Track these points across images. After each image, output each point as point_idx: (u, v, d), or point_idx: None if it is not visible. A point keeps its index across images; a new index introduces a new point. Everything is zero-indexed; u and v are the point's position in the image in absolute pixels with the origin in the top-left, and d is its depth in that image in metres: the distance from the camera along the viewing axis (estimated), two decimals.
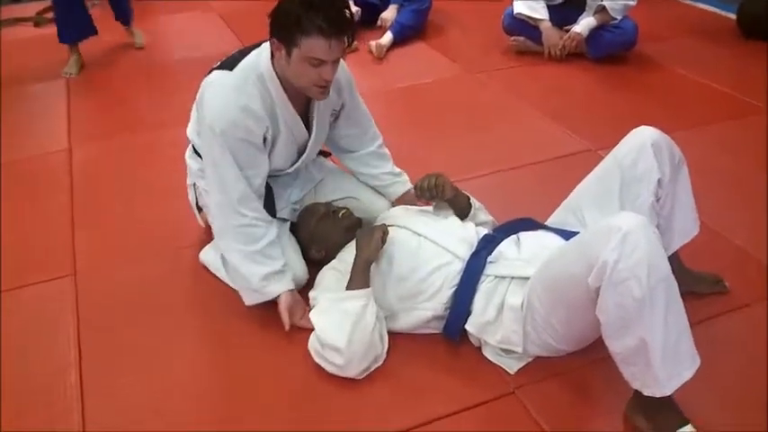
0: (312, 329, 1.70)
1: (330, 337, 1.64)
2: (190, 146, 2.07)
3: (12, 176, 2.68)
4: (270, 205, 1.91)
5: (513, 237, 1.77)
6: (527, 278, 1.62)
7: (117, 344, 1.84)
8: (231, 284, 1.95)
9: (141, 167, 2.72)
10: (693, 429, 1.43)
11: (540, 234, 1.77)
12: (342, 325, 1.64)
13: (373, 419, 1.59)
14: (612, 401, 1.57)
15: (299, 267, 1.92)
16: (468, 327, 1.71)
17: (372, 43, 3.74)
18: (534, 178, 2.56)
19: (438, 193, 1.83)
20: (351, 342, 1.62)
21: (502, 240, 1.75)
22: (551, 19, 3.57)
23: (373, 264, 1.73)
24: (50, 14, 4.06)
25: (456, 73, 3.56)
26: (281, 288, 1.80)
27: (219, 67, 1.81)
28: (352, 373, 1.66)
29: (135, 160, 2.78)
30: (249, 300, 1.85)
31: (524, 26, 3.64)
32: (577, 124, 2.93)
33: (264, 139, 1.81)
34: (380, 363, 1.70)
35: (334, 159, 2.24)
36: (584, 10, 3.52)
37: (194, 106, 1.92)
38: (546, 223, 1.85)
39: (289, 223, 2.02)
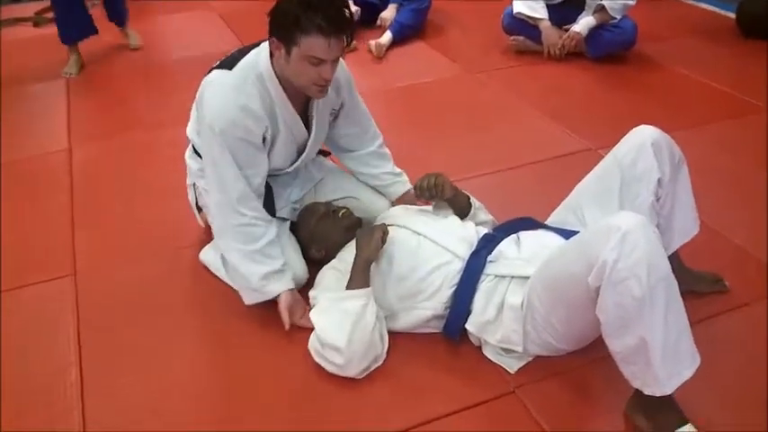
0: (312, 329, 1.70)
1: (330, 337, 1.64)
2: (189, 146, 2.07)
3: (12, 176, 2.68)
4: (269, 204, 1.91)
5: (513, 236, 1.77)
6: (527, 277, 1.62)
7: (117, 344, 1.84)
8: (231, 284, 1.95)
9: (141, 167, 2.72)
10: (693, 428, 1.43)
11: (539, 233, 1.78)
12: (342, 324, 1.64)
13: (373, 419, 1.59)
14: (612, 401, 1.57)
15: (299, 267, 1.92)
16: (468, 326, 1.71)
17: (372, 43, 3.74)
18: (534, 178, 2.56)
19: (437, 193, 1.83)
20: (351, 342, 1.63)
21: (502, 240, 1.75)
22: (551, 18, 3.57)
23: (373, 263, 1.73)
24: (50, 14, 4.06)
25: (456, 72, 3.56)
26: (280, 287, 1.81)
27: (219, 67, 1.81)
28: (352, 372, 1.66)
29: (135, 160, 2.78)
30: (249, 299, 1.85)
31: (524, 26, 3.64)
32: (577, 124, 2.93)
33: (264, 139, 1.81)
34: (380, 362, 1.70)
35: (334, 159, 2.24)
36: (583, 9, 3.52)
37: (194, 106, 1.92)
38: (546, 222, 1.85)
39: (289, 223, 2.02)
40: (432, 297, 1.72)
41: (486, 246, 1.73)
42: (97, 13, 3.82)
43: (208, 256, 2.08)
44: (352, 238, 1.85)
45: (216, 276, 2.04)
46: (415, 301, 1.74)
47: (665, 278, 1.35)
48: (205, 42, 3.97)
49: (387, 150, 2.17)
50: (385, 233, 1.73)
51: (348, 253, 1.82)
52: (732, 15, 3.98)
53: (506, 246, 1.73)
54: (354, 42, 3.78)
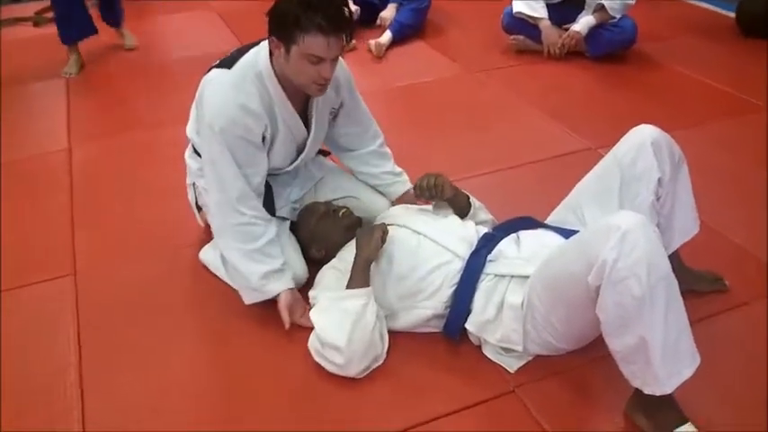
0: (312, 328, 1.70)
1: (330, 336, 1.64)
2: (189, 145, 2.07)
3: (12, 176, 2.68)
4: (269, 204, 1.91)
5: (513, 235, 1.77)
6: (527, 277, 1.62)
7: (117, 343, 1.84)
8: (231, 283, 1.95)
9: (141, 167, 2.72)
10: (693, 428, 1.43)
11: (539, 233, 1.78)
12: (342, 324, 1.64)
13: (373, 418, 1.59)
14: (612, 400, 1.57)
15: (299, 266, 1.92)
16: (468, 325, 1.71)
17: (372, 42, 3.74)
18: (534, 177, 2.56)
19: (437, 193, 1.83)
20: (351, 341, 1.63)
21: (502, 239, 1.75)
22: (550, 18, 3.57)
23: (373, 263, 1.73)
24: (50, 14, 4.05)
25: (455, 72, 3.56)
26: (280, 287, 1.81)
27: (218, 66, 1.81)
28: (352, 372, 1.66)
29: (135, 160, 2.78)
30: (249, 299, 1.85)
31: (524, 25, 3.64)
32: (577, 123, 2.93)
33: (263, 138, 1.81)
34: (380, 362, 1.70)
35: (334, 158, 2.24)
36: (583, 9, 3.52)
37: (193, 105, 1.92)
38: (546, 222, 1.85)
39: (289, 222, 2.02)
40: (432, 296, 1.72)
41: (486, 245, 1.73)
42: (96, 12, 3.82)
43: (207, 255, 2.08)
44: (352, 238, 1.85)
45: (215, 276, 2.04)
46: (415, 300, 1.74)
47: (665, 277, 1.35)
48: (204, 42, 3.97)
49: (387, 150, 2.17)
50: (385, 232, 1.73)
51: (348, 252, 1.82)
52: (732, 14, 3.98)
53: (506, 245, 1.73)
54: (354, 42, 3.78)
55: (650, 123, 1.72)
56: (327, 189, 2.13)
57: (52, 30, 3.69)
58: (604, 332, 1.44)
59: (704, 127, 2.87)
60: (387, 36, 3.79)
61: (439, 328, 1.76)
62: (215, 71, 1.80)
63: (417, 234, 1.77)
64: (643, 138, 1.68)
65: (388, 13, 3.95)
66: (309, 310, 1.77)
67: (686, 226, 1.78)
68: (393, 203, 2.12)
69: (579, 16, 3.52)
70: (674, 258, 1.74)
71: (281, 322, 1.79)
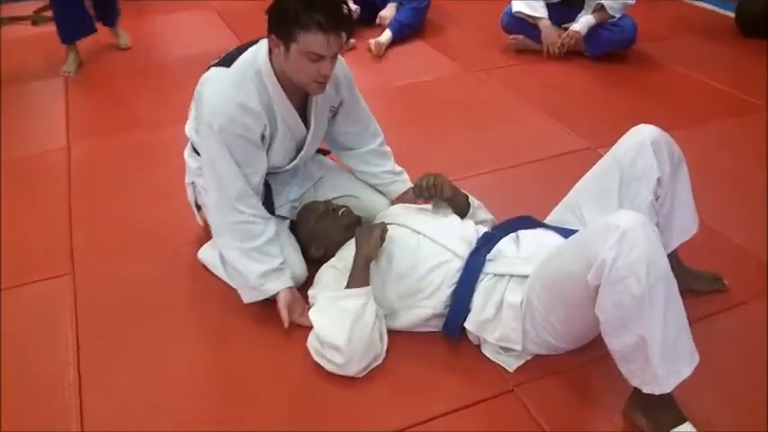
0: (311, 327, 1.70)
1: (329, 336, 1.64)
2: (188, 144, 2.07)
3: (10, 174, 2.68)
4: (269, 203, 1.91)
5: (513, 235, 1.77)
6: (526, 276, 1.62)
7: (115, 342, 1.84)
8: (230, 282, 1.95)
9: (140, 166, 2.72)
10: (692, 427, 1.43)
11: (539, 232, 1.77)
12: (341, 323, 1.64)
13: (372, 417, 1.59)
14: (611, 399, 1.57)
15: (299, 265, 1.92)
16: (467, 325, 1.71)
17: (371, 41, 3.73)
18: (533, 176, 2.56)
19: (437, 193, 1.83)
20: (350, 340, 1.62)
21: (501, 238, 1.75)
22: (550, 17, 3.57)
23: (373, 262, 1.73)
24: (49, 13, 4.05)
25: (455, 71, 3.56)
26: (279, 285, 1.80)
27: (217, 64, 1.81)
28: (351, 371, 1.65)
29: (133, 158, 2.78)
30: (248, 297, 1.85)
31: (523, 24, 3.64)
32: (577, 122, 2.93)
33: (262, 136, 1.81)
34: (380, 361, 1.70)
35: (333, 157, 2.24)
36: (582, 8, 3.52)
37: (192, 103, 1.92)
38: (545, 221, 1.85)
39: (288, 221, 2.02)
40: (431, 296, 1.72)
41: (486, 244, 1.73)
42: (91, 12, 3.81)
43: (206, 254, 2.07)
44: (352, 237, 1.85)
45: (214, 275, 2.03)
46: (414, 299, 1.73)
47: (664, 277, 1.35)
48: (204, 41, 3.97)
49: (387, 148, 2.17)
50: (384, 232, 1.73)
51: (347, 251, 1.82)
52: (731, 14, 3.98)
53: (505, 244, 1.73)
54: (353, 41, 3.78)
55: (650, 123, 1.72)
56: (327, 188, 2.13)
57: (51, 28, 3.68)
58: (603, 331, 1.44)
59: (704, 127, 2.87)
60: (386, 35, 3.79)
61: (438, 327, 1.76)
62: (214, 69, 1.80)
63: (417, 233, 1.77)
64: (642, 137, 1.68)
65: (388, 12, 3.94)
66: (308, 309, 1.77)
67: (685, 225, 1.78)
68: (393, 202, 2.12)
69: (579, 16, 3.52)
70: (673, 258, 1.74)
71: (280, 321, 1.79)
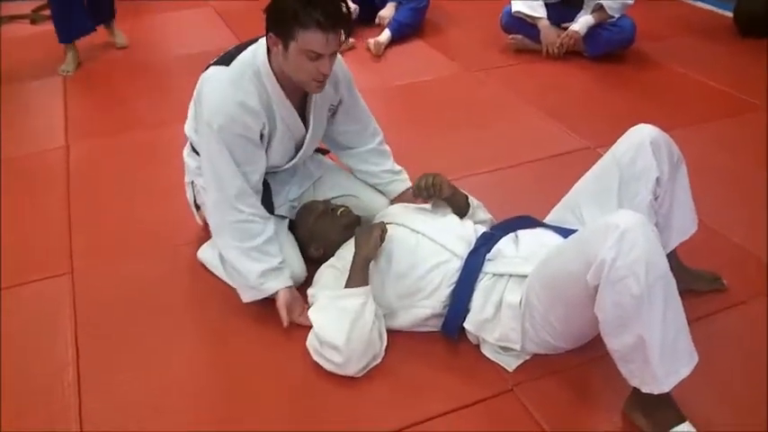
0: (310, 327, 1.70)
1: (329, 335, 1.64)
2: (188, 143, 2.07)
3: (9, 173, 2.68)
4: (268, 202, 1.91)
5: (512, 234, 1.77)
6: (525, 276, 1.62)
7: (115, 342, 1.83)
8: (229, 282, 1.95)
9: (139, 165, 2.71)
10: (691, 426, 1.43)
11: (538, 232, 1.77)
12: (340, 323, 1.64)
13: (372, 417, 1.59)
14: (611, 399, 1.57)
15: (298, 265, 1.92)
16: (466, 325, 1.71)
17: (370, 41, 3.73)
18: (533, 176, 2.56)
19: (435, 193, 1.82)
20: (350, 340, 1.62)
21: (500, 238, 1.75)
22: (549, 17, 3.57)
23: (372, 262, 1.73)
24: (47, 11, 4.04)
25: (454, 71, 3.56)
26: (278, 285, 1.80)
27: (216, 63, 1.81)
28: (350, 370, 1.65)
29: (132, 158, 2.78)
30: (247, 297, 1.85)
31: (522, 24, 3.64)
32: (576, 122, 2.93)
33: (261, 135, 1.81)
34: (379, 361, 1.70)
35: (333, 157, 2.24)
36: (581, 8, 3.52)
37: (192, 103, 1.92)
38: (544, 221, 1.85)
39: (287, 221, 2.02)
40: (431, 295, 1.72)
41: (485, 244, 1.73)
42: None
43: (206, 254, 2.07)
44: (351, 237, 1.85)
45: (214, 274, 2.03)
46: (413, 299, 1.73)
47: (663, 276, 1.35)
48: (203, 40, 3.96)
49: (387, 147, 2.17)
50: (384, 231, 1.73)
51: (347, 251, 1.82)
52: (730, 14, 3.98)
53: (505, 244, 1.73)
54: (352, 40, 3.78)
55: (649, 123, 1.73)
56: (326, 187, 2.13)
57: (49, 27, 3.67)
58: (603, 331, 1.44)
59: (702, 126, 2.88)
60: (386, 35, 3.78)
61: (437, 327, 1.76)
62: (213, 68, 1.80)
63: (416, 233, 1.77)
64: (642, 137, 1.68)
65: (387, 11, 3.94)
66: (308, 308, 1.77)
67: (684, 225, 1.79)
68: (392, 202, 2.12)
69: (578, 16, 3.52)
70: (673, 258, 1.74)
71: (279, 321, 1.79)
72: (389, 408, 1.60)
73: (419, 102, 3.27)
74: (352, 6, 3.70)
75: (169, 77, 3.56)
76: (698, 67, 3.43)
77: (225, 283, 1.98)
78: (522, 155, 2.69)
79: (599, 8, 3.43)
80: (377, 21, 3.95)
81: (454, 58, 3.69)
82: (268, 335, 1.81)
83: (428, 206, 1.93)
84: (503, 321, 1.65)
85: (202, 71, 1.83)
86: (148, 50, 3.95)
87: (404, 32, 3.89)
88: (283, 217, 2.01)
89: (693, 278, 1.88)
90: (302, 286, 1.89)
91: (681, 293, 1.39)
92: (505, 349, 1.69)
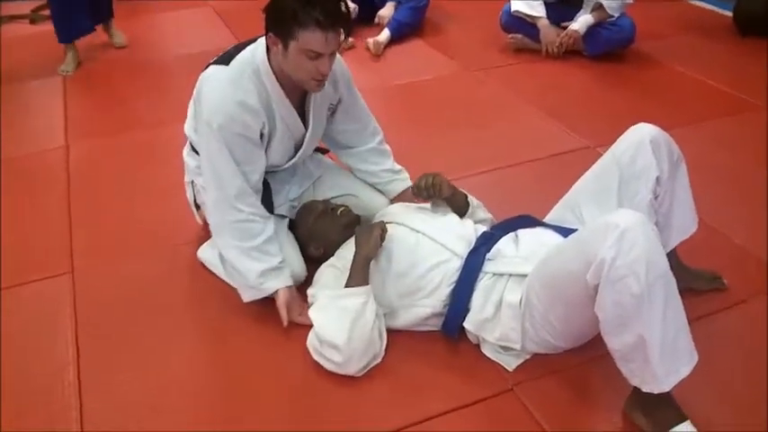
0: (310, 326, 1.70)
1: (329, 335, 1.64)
2: (187, 143, 2.07)
3: (9, 173, 2.67)
4: (268, 202, 1.91)
5: (512, 234, 1.77)
6: (525, 275, 1.62)
7: (115, 341, 1.83)
8: (229, 281, 1.95)
9: (139, 165, 2.71)
10: (691, 426, 1.43)
11: (538, 231, 1.77)
12: (341, 322, 1.64)
13: (372, 416, 1.59)
14: (611, 398, 1.57)
15: (298, 265, 1.92)
16: (466, 324, 1.71)
17: (370, 40, 3.73)
18: (532, 175, 2.56)
19: (435, 193, 1.83)
20: (350, 339, 1.62)
21: (500, 238, 1.75)
22: (549, 16, 3.57)
23: (372, 261, 1.73)
24: (47, 11, 4.04)
25: (454, 70, 3.56)
26: (278, 284, 1.80)
27: (216, 63, 1.81)
28: (351, 370, 1.65)
29: (132, 157, 2.78)
30: (247, 296, 1.85)
31: (522, 24, 3.64)
32: (575, 121, 2.93)
33: (261, 135, 1.81)
34: (379, 360, 1.70)
35: (332, 156, 2.24)
36: (581, 7, 3.52)
37: (191, 102, 1.92)
38: (544, 220, 1.85)
39: (287, 220, 2.02)
40: (431, 295, 1.72)
41: (485, 244, 1.73)
42: None
43: (206, 253, 2.07)
44: (351, 236, 1.85)
45: (214, 274, 2.03)
46: (414, 298, 1.73)
47: (663, 275, 1.35)
48: (202, 40, 3.96)
49: (387, 147, 2.17)
50: (384, 231, 1.73)
51: (347, 250, 1.82)
52: (729, 14, 3.98)
53: (505, 244, 1.73)
54: (352, 40, 3.78)
55: (649, 122, 1.72)
56: (326, 187, 2.13)
57: (49, 27, 3.67)
58: (603, 330, 1.44)
59: (702, 125, 2.88)
60: (385, 34, 3.78)
61: (437, 326, 1.76)
62: (213, 68, 1.80)
63: (416, 232, 1.77)
64: (642, 136, 1.68)
65: (387, 11, 3.94)
66: (308, 307, 1.77)
67: (684, 224, 1.79)
68: (392, 201, 2.12)
69: (577, 15, 3.52)
70: (673, 257, 1.74)
71: (279, 320, 1.79)
72: (390, 407, 1.61)
73: (419, 101, 3.26)
74: (352, 6, 3.70)
75: (169, 77, 3.56)
76: (697, 67, 3.43)
77: (225, 282, 1.98)
78: (522, 154, 2.69)
79: (598, 7, 3.43)
80: (376, 20, 3.95)
81: (454, 58, 3.68)
82: (268, 334, 1.81)
83: (428, 205, 1.93)
84: (503, 321, 1.65)
85: (202, 71, 1.83)
86: (148, 50, 3.95)
87: (403, 32, 3.88)
88: (283, 216, 2.01)
89: (693, 277, 1.88)
90: (302, 286, 1.89)
91: (681, 293, 1.40)
92: (505, 349, 1.69)
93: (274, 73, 1.76)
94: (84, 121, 3.14)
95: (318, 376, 1.67)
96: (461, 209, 1.92)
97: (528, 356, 1.69)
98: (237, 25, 4.14)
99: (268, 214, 1.87)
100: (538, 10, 3.56)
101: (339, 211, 1.94)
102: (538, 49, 3.64)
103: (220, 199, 1.80)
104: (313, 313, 1.71)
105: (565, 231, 1.71)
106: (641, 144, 1.67)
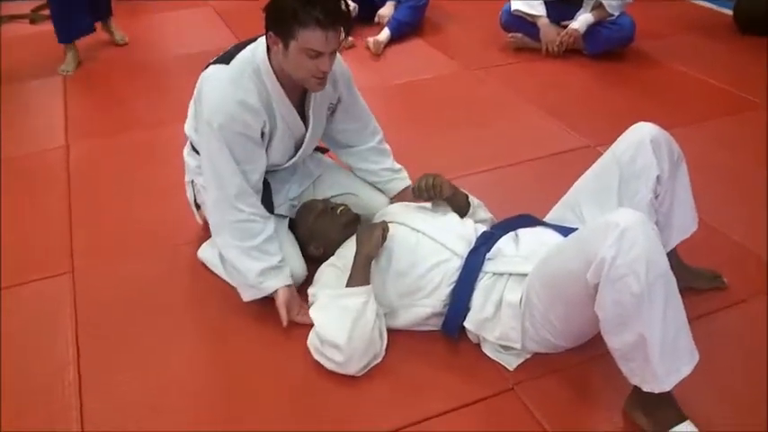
0: (310, 325, 1.70)
1: (330, 334, 1.64)
2: (188, 143, 2.07)
3: (9, 173, 2.67)
4: (268, 201, 1.91)
5: (512, 233, 1.77)
6: (525, 275, 1.62)
7: (115, 341, 1.83)
8: (229, 281, 1.95)
9: (139, 164, 2.71)
10: (691, 426, 1.43)
11: (538, 231, 1.77)
12: (342, 321, 1.64)
13: (372, 416, 1.59)
14: (611, 398, 1.57)
15: (298, 264, 1.92)
16: (466, 324, 1.71)
17: (370, 40, 3.73)
18: (533, 175, 2.56)
19: (436, 194, 1.83)
20: (351, 339, 1.62)
21: (500, 237, 1.75)
22: (549, 15, 3.57)
23: (372, 261, 1.73)
24: (46, 11, 4.04)
25: (454, 69, 3.56)
26: (277, 283, 1.80)
27: (216, 62, 1.81)
28: (351, 369, 1.65)
29: (132, 157, 2.78)
30: (247, 296, 1.85)
31: (522, 23, 3.64)
32: (575, 120, 2.93)
33: (263, 134, 1.81)
34: (379, 360, 1.70)
35: (332, 156, 2.24)
36: (581, 6, 3.52)
37: (192, 102, 1.92)
38: (544, 220, 1.85)
39: (287, 220, 2.02)
40: (431, 294, 1.72)
41: (485, 243, 1.73)
42: None
43: (206, 253, 2.07)
44: (351, 235, 1.85)
45: (214, 273, 2.03)
46: (414, 298, 1.73)
47: (663, 275, 1.35)
48: (202, 40, 3.96)
49: (386, 146, 2.17)
50: (385, 230, 1.72)
51: (347, 250, 1.82)
52: (729, 12, 3.98)
53: (505, 243, 1.73)
54: (352, 39, 3.78)
55: (649, 121, 1.72)
56: (326, 186, 2.13)
57: (49, 27, 3.66)
58: (603, 330, 1.44)
59: (703, 125, 2.87)
60: (385, 34, 3.78)
61: (438, 326, 1.76)
62: (213, 67, 1.80)
63: (416, 232, 1.77)
64: (642, 135, 1.68)
65: (387, 10, 3.94)
66: (308, 307, 1.77)
67: (685, 224, 1.78)
68: (392, 200, 2.12)
69: (577, 14, 3.52)
70: (673, 256, 1.74)
71: (279, 320, 1.79)
72: (390, 407, 1.60)
73: (419, 100, 3.26)
74: (352, 5, 3.70)
75: (168, 77, 3.56)
76: (698, 65, 3.43)
77: (225, 282, 1.98)
78: (522, 153, 2.69)
79: (598, 6, 3.43)
80: (376, 19, 3.95)
81: (454, 57, 3.68)
82: (268, 334, 1.81)
83: (428, 205, 1.93)
84: (503, 320, 1.65)
85: (202, 70, 1.83)
86: (148, 50, 3.95)
87: (403, 31, 3.88)
88: (283, 216, 2.01)
89: (694, 276, 1.87)
90: (303, 285, 1.89)
91: (681, 292, 1.39)
92: (506, 348, 1.69)
93: (275, 72, 1.76)
94: (85, 120, 3.14)
95: (318, 376, 1.67)
96: (462, 209, 1.92)
97: (528, 356, 1.69)
98: (237, 25, 4.14)
99: (268, 214, 1.87)
100: (538, 9, 3.56)
101: (339, 211, 1.94)
102: (538, 48, 3.64)
103: (221, 198, 1.80)
104: (314, 313, 1.71)
105: (565, 231, 1.71)
106: (641, 143, 1.67)
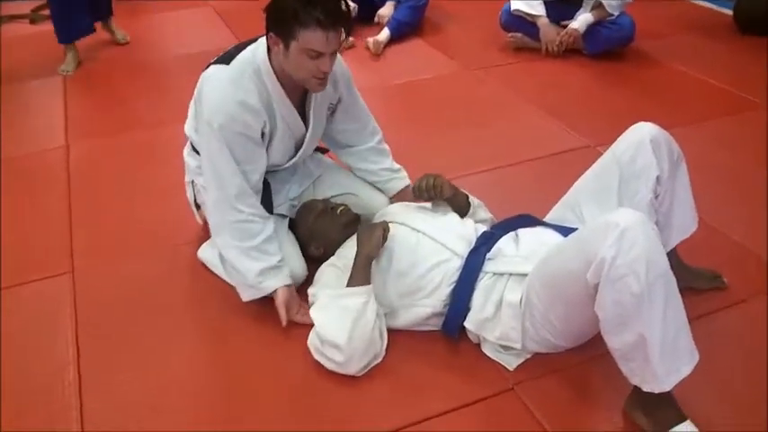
0: (310, 325, 1.70)
1: (330, 334, 1.64)
2: (188, 143, 2.07)
3: (9, 173, 2.67)
4: (267, 201, 1.91)
5: (512, 233, 1.77)
6: (525, 275, 1.62)
7: (115, 341, 1.83)
8: (229, 281, 1.95)
9: (139, 165, 2.71)
10: (692, 426, 1.43)
11: (538, 231, 1.77)
12: (342, 321, 1.64)
13: (372, 416, 1.59)
14: (611, 397, 1.57)
15: (298, 264, 1.92)
16: (466, 324, 1.71)
17: (369, 40, 3.73)
18: (532, 174, 2.56)
19: (436, 194, 1.83)
20: (351, 339, 1.62)
21: (500, 237, 1.75)
22: (548, 15, 3.57)
23: (373, 261, 1.73)
24: (46, 11, 4.04)
25: (453, 69, 3.56)
26: (277, 283, 1.80)
27: (216, 62, 1.81)
28: (351, 369, 1.65)
29: (132, 157, 2.78)
30: (246, 296, 1.85)
31: (522, 22, 3.64)
32: (575, 120, 2.93)
33: (263, 134, 1.81)
34: (380, 360, 1.70)
35: (332, 155, 2.24)
36: (581, 6, 3.52)
37: (192, 102, 1.92)
38: (544, 220, 1.85)
39: (287, 220, 2.02)
40: (431, 294, 1.72)
41: (485, 243, 1.73)
42: None
43: (206, 253, 2.07)
44: (351, 235, 1.85)
45: (214, 273, 2.03)
46: (414, 298, 1.73)
47: (663, 275, 1.35)
48: (202, 40, 3.96)
49: (386, 146, 2.17)
50: (386, 230, 1.72)
51: (347, 250, 1.82)
52: (729, 12, 3.98)
53: (505, 243, 1.73)
54: (352, 39, 3.78)
55: (649, 121, 1.72)
56: (326, 186, 2.13)
57: (49, 27, 3.66)
58: (603, 330, 1.44)
59: (703, 124, 2.88)
60: (385, 34, 3.78)
61: (438, 326, 1.76)
62: (213, 67, 1.80)
63: (416, 232, 1.77)
64: (642, 135, 1.68)
65: (386, 10, 3.94)
66: (308, 307, 1.77)
67: (685, 224, 1.78)
68: (391, 200, 2.12)
69: (577, 14, 3.52)
70: (673, 256, 1.74)
71: (279, 319, 1.79)
72: (390, 407, 1.61)
73: (418, 100, 3.26)
74: (352, 5, 3.70)
75: (169, 77, 3.56)
76: (698, 65, 3.43)
77: (225, 282, 1.98)
78: (522, 153, 2.69)
79: (598, 6, 3.43)
80: (376, 19, 3.95)
81: (453, 57, 3.68)
82: (268, 334, 1.81)
83: (429, 205, 1.93)
84: (503, 320, 1.65)
85: (202, 70, 1.83)
86: (148, 50, 3.95)
87: (403, 31, 3.88)
88: (283, 216, 2.01)
89: (694, 276, 1.88)
90: (303, 285, 1.89)
91: (681, 292, 1.39)
92: (506, 348, 1.69)
93: (275, 72, 1.76)
94: (85, 120, 3.14)
95: (318, 376, 1.67)
96: (462, 209, 1.92)
97: (528, 356, 1.69)
98: (238, 25, 4.14)
99: (268, 215, 1.87)
100: (537, 9, 3.56)
101: (339, 211, 1.94)
102: (538, 48, 3.64)
103: (221, 199, 1.80)
104: (314, 312, 1.71)
105: (565, 230, 1.71)
106: (641, 143, 1.67)
